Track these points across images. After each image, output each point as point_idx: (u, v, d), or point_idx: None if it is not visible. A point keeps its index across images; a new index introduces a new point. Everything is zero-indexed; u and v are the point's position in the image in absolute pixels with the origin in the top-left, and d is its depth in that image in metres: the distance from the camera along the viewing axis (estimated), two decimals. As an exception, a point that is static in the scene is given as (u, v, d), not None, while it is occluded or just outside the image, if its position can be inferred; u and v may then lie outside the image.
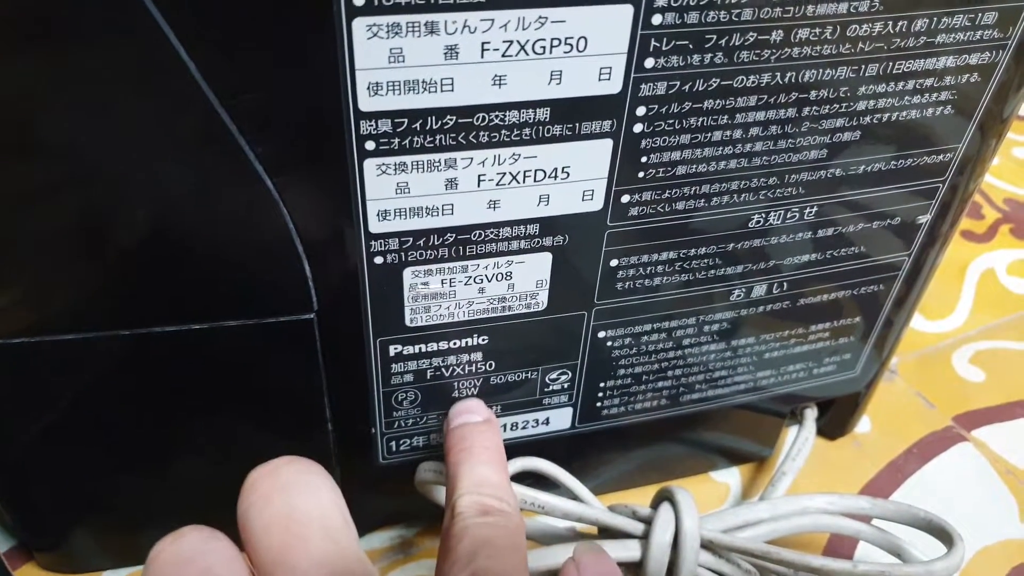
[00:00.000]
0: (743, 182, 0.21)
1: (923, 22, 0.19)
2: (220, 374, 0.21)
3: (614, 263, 0.21)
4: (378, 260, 0.19)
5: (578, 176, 0.19)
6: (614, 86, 0.18)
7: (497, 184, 0.19)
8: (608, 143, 0.19)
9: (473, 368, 0.22)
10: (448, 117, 0.17)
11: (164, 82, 0.16)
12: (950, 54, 0.20)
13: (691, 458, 0.29)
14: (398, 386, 0.22)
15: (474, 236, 0.19)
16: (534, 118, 0.18)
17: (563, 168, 0.19)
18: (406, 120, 0.17)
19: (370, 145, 0.17)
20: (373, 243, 0.19)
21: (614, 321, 0.23)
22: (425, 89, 0.16)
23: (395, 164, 0.17)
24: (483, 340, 0.22)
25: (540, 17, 0.16)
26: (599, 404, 0.25)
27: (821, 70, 0.19)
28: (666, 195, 0.20)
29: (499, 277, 0.20)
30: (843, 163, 0.21)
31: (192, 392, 0.21)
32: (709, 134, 0.19)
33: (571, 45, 0.17)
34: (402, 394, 0.22)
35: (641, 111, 0.18)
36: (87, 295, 0.19)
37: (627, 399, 0.25)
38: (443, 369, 0.22)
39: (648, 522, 0.23)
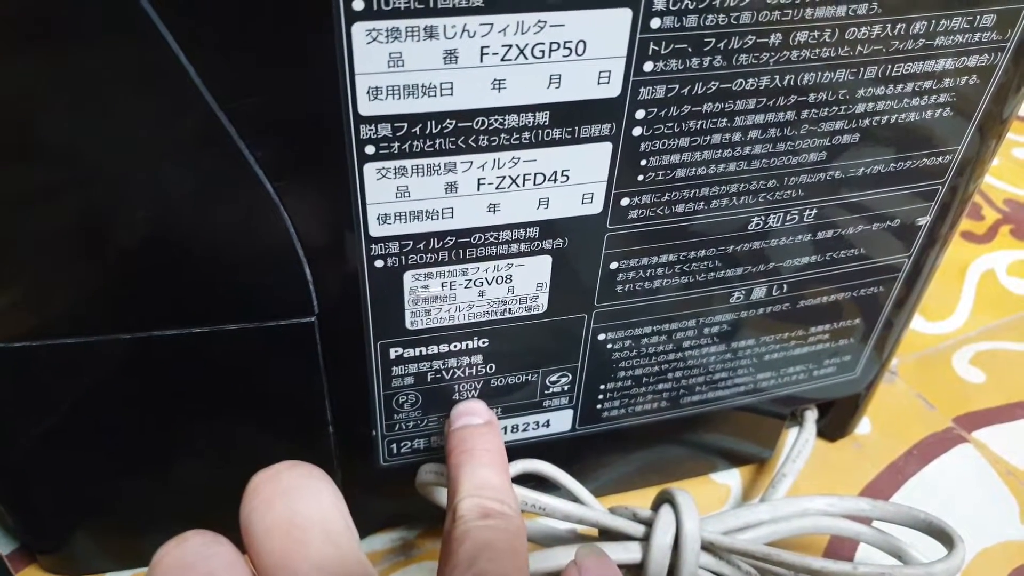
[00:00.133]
0: (742, 185, 0.21)
1: (921, 24, 0.19)
2: (221, 378, 0.21)
3: (614, 266, 0.21)
4: (378, 263, 0.19)
5: (578, 179, 0.19)
6: (613, 90, 0.18)
7: (497, 187, 0.19)
8: (607, 146, 0.19)
9: (473, 371, 0.22)
10: (448, 121, 0.17)
11: (164, 86, 0.16)
12: (949, 56, 0.20)
13: (691, 460, 0.29)
14: (399, 389, 0.22)
15: (474, 239, 0.19)
16: (533, 122, 0.18)
17: (563, 171, 0.19)
18: (406, 124, 0.17)
19: (370, 149, 0.17)
20: (373, 247, 0.19)
21: (614, 323, 0.23)
22: (425, 93, 0.16)
23: (395, 168, 0.18)
24: (483, 343, 0.22)
25: (539, 21, 0.16)
26: (599, 406, 0.25)
27: (820, 73, 0.19)
28: (666, 198, 0.20)
29: (499, 280, 0.21)
30: (842, 165, 0.21)
31: (193, 395, 0.21)
32: (708, 137, 0.19)
33: (570, 49, 0.17)
34: (403, 397, 0.23)
35: (640, 114, 0.18)
36: (88, 299, 0.19)
37: (627, 401, 0.25)
38: (444, 372, 0.22)
39: (649, 524, 0.23)
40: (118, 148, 0.16)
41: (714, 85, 0.18)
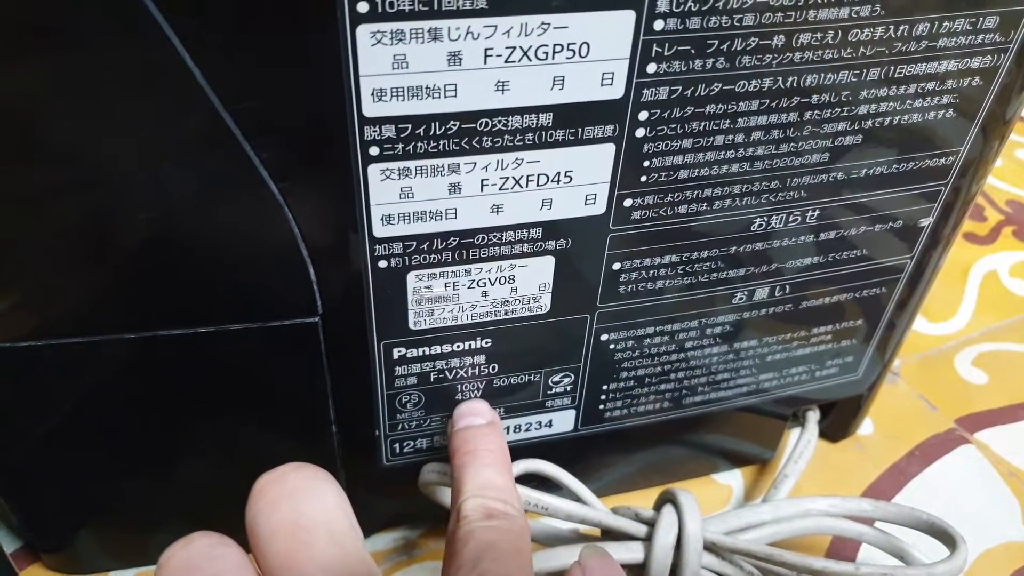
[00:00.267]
0: (745, 186, 0.21)
1: (924, 26, 0.19)
2: (225, 377, 0.21)
3: (617, 266, 0.21)
4: (382, 264, 0.19)
5: (581, 180, 0.19)
6: (616, 91, 0.18)
7: (500, 188, 0.19)
8: (610, 148, 0.19)
9: (476, 371, 0.23)
10: (451, 122, 0.17)
11: (170, 88, 0.16)
12: (952, 58, 0.20)
13: (693, 460, 0.29)
14: (402, 388, 0.22)
15: (477, 240, 0.20)
16: (537, 123, 0.18)
17: (566, 172, 0.19)
18: (410, 126, 0.17)
19: (374, 150, 0.17)
20: (377, 247, 0.19)
21: (617, 324, 0.23)
22: (428, 95, 0.17)
23: (399, 169, 0.18)
24: (486, 343, 0.22)
25: (542, 23, 0.16)
26: (602, 407, 0.25)
27: (823, 74, 0.19)
28: (668, 199, 0.20)
29: (502, 281, 0.21)
30: (845, 166, 0.21)
31: (197, 395, 0.21)
32: (711, 138, 0.19)
33: (573, 51, 0.17)
34: (406, 396, 0.23)
35: (643, 116, 0.18)
36: (93, 299, 0.19)
37: (630, 402, 0.25)
38: (446, 372, 0.22)
39: (651, 524, 0.23)
40: (124, 149, 0.16)
41: (717, 87, 0.18)
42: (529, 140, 0.18)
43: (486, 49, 0.16)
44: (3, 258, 0.18)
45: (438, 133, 0.17)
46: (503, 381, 0.23)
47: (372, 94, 0.16)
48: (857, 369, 0.28)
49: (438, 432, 0.24)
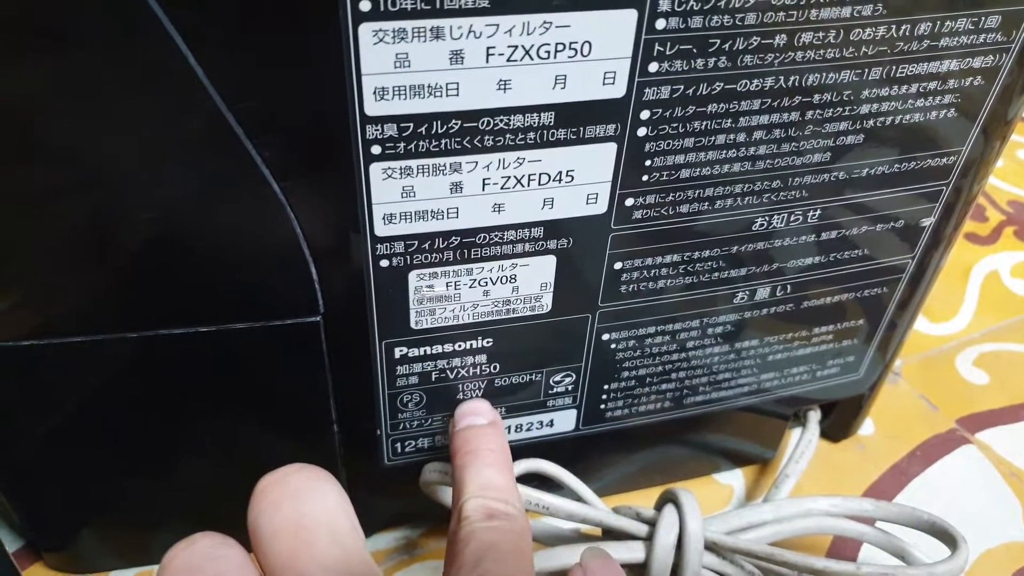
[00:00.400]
0: (747, 185, 0.21)
1: (926, 26, 0.19)
2: (227, 376, 0.21)
3: (618, 266, 0.21)
4: (384, 263, 0.19)
5: (582, 180, 0.19)
6: (618, 90, 0.18)
7: (502, 188, 0.19)
8: (612, 147, 0.19)
9: (478, 370, 0.23)
10: (453, 121, 0.17)
11: (172, 88, 0.16)
12: (953, 57, 0.20)
13: (695, 460, 0.29)
14: (403, 388, 0.22)
15: (479, 239, 0.20)
16: (538, 122, 0.18)
17: (567, 172, 0.19)
18: (412, 124, 0.17)
19: (376, 149, 0.17)
20: (379, 246, 0.19)
21: (618, 324, 0.23)
22: (430, 94, 0.17)
23: (401, 168, 0.18)
24: (488, 342, 0.22)
25: (545, 22, 0.16)
26: (603, 406, 0.25)
27: (824, 74, 0.19)
28: (670, 198, 0.20)
29: (503, 280, 0.21)
30: (846, 166, 0.21)
31: (198, 394, 0.21)
32: (713, 138, 0.19)
33: (575, 50, 0.17)
34: (407, 396, 0.23)
35: (645, 115, 0.18)
36: (96, 298, 0.19)
37: (631, 401, 0.25)
38: (448, 371, 0.22)
39: (652, 524, 0.23)
40: (126, 149, 0.16)
41: (719, 86, 0.18)
42: (531, 139, 0.18)
43: (488, 48, 0.16)
44: (6, 257, 0.18)
45: (440, 132, 0.17)
46: (504, 380, 0.23)
47: (374, 93, 0.16)
48: (858, 369, 0.28)
49: (439, 431, 0.24)
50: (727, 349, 0.25)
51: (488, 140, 0.18)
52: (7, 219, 0.17)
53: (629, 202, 0.20)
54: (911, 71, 0.20)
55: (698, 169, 0.20)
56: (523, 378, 0.23)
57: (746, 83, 0.18)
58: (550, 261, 0.21)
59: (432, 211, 0.19)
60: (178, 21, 0.15)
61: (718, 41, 0.17)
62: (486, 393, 0.23)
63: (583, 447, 0.26)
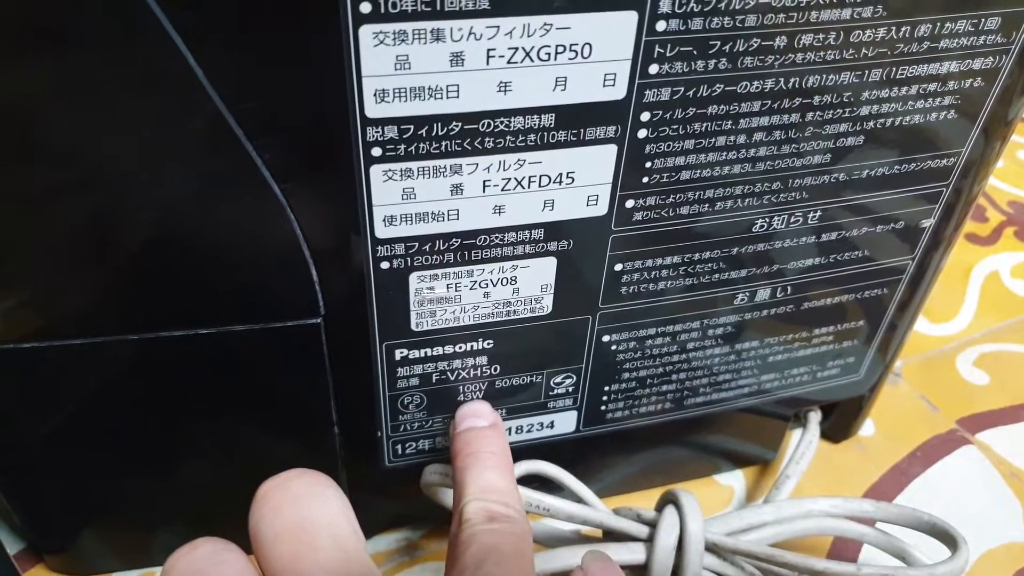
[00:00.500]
0: (747, 187, 0.21)
1: (926, 27, 0.19)
2: (227, 378, 0.21)
3: (618, 267, 0.21)
4: (384, 265, 0.19)
5: (583, 181, 0.19)
6: (618, 92, 0.18)
7: (502, 189, 0.19)
8: (612, 148, 0.19)
9: (478, 372, 0.23)
10: (454, 123, 0.17)
11: (172, 89, 0.16)
12: (953, 59, 0.20)
13: (695, 461, 0.29)
14: (404, 390, 0.22)
15: (479, 241, 0.20)
16: (539, 124, 0.18)
17: (568, 173, 0.19)
18: (412, 126, 0.17)
19: (376, 151, 0.17)
20: (379, 248, 0.19)
21: (618, 325, 0.23)
22: (431, 96, 0.17)
23: (401, 170, 0.18)
24: (488, 344, 0.22)
25: (545, 24, 0.16)
26: (603, 408, 0.25)
27: (825, 75, 0.19)
28: (670, 200, 0.20)
29: (504, 282, 0.21)
30: (847, 167, 0.21)
31: (199, 396, 0.21)
32: (713, 139, 0.19)
33: (576, 52, 0.17)
34: (408, 398, 0.23)
35: (645, 117, 0.18)
36: (97, 300, 0.19)
37: (631, 403, 0.25)
38: (448, 373, 0.22)
39: (652, 525, 0.23)
40: (127, 151, 0.16)
41: (719, 88, 0.18)
42: (531, 141, 0.18)
43: (488, 50, 0.16)
44: (7, 259, 0.18)
45: (440, 134, 0.17)
46: (505, 382, 0.23)
47: (374, 95, 0.16)
48: (859, 370, 0.28)
49: (440, 433, 0.24)
50: (727, 350, 0.25)
51: (488, 142, 0.18)
52: (8, 220, 0.17)
53: (629, 204, 0.20)
54: (911, 73, 0.20)
55: (698, 171, 0.20)
56: (524, 380, 0.23)
57: (746, 85, 0.18)
58: (550, 263, 0.21)
59: (433, 213, 0.19)
60: (178, 22, 0.15)
61: (718, 43, 0.17)
62: (487, 395, 0.23)
63: (584, 448, 0.26)
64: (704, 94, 0.18)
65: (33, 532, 0.25)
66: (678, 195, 0.20)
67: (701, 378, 0.25)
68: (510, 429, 0.24)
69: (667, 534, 0.23)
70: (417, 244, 0.19)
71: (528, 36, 0.16)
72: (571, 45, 0.17)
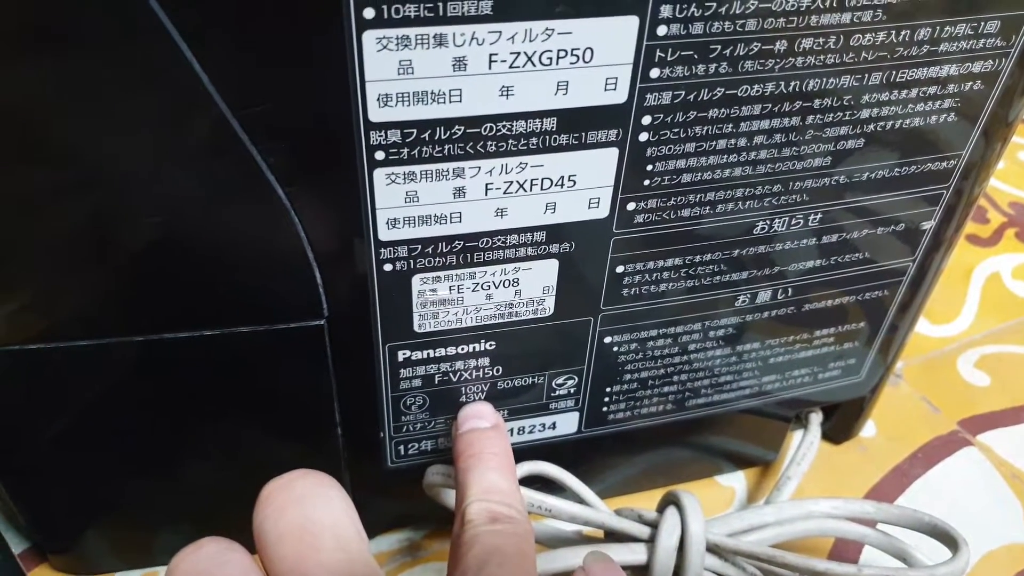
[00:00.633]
0: (748, 189, 0.21)
1: (926, 31, 0.19)
2: (232, 379, 0.21)
3: (620, 269, 0.21)
4: (387, 267, 0.19)
5: (584, 184, 0.19)
6: (620, 96, 0.18)
7: (504, 192, 0.19)
8: (614, 152, 0.19)
9: (481, 373, 0.23)
10: (456, 127, 0.17)
11: (178, 93, 0.16)
12: (953, 62, 0.20)
13: (697, 462, 0.29)
14: (407, 391, 0.22)
15: (482, 243, 0.20)
16: (541, 128, 0.18)
17: (569, 176, 0.19)
18: (415, 130, 0.17)
19: (379, 155, 0.17)
20: (382, 251, 0.19)
21: (620, 327, 0.23)
22: (434, 100, 0.17)
23: (404, 173, 0.18)
24: (490, 346, 0.22)
25: (547, 29, 0.16)
26: (605, 409, 0.25)
27: (825, 79, 0.19)
28: (671, 202, 0.20)
29: (506, 284, 0.21)
30: (847, 170, 0.21)
31: (204, 397, 0.22)
32: (714, 142, 0.19)
33: (577, 56, 0.17)
34: (410, 399, 0.23)
35: (647, 120, 0.18)
36: (102, 302, 0.19)
37: (633, 404, 0.25)
38: (451, 374, 0.22)
39: (654, 526, 0.23)
40: (133, 154, 0.17)
41: (720, 91, 0.18)
42: (533, 144, 0.18)
43: (491, 54, 0.16)
44: (13, 261, 0.18)
45: (443, 138, 0.17)
46: (507, 383, 0.23)
47: (378, 99, 0.16)
48: (860, 371, 0.28)
49: (443, 434, 0.24)
50: (729, 352, 0.25)
51: (491, 145, 0.18)
52: (14, 223, 0.17)
53: (631, 206, 0.20)
54: (911, 76, 0.20)
55: (699, 173, 0.20)
56: (526, 381, 0.23)
57: (747, 88, 0.18)
58: (552, 265, 0.21)
59: (435, 216, 0.19)
60: (183, 26, 0.15)
61: (719, 47, 0.18)
62: (489, 396, 0.23)
63: (585, 449, 0.26)
64: (705, 97, 0.18)
65: (38, 532, 0.26)
66: (679, 198, 0.20)
67: (702, 379, 0.25)
68: (512, 430, 0.24)
69: (668, 535, 0.23)
70: (420, 246, 0.19)
71: (530, 41, 0.16)
72: (573, 50, 0.17)
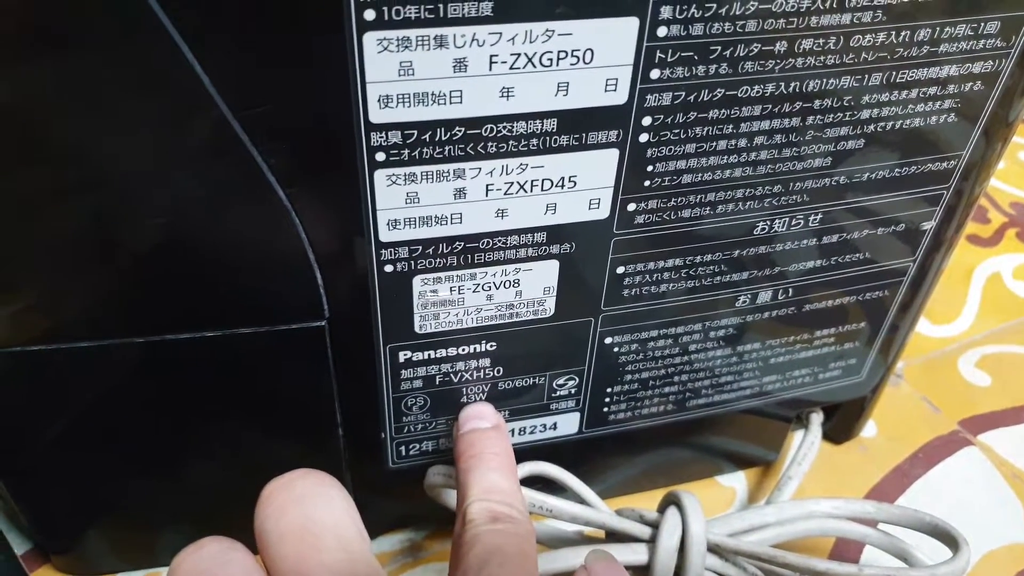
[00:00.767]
0: (748, 190, 0.21)
1: (926, 32, 0.19)
2: (233, 380, 0.21)
3: (620, 270, 0.21)
4: (388, 268, 0.19)
5: (585, 185, 0.19)
6: (620, 97, 0.18)
7: (505, 193, 0.19)
8: (614, 153, 0.19)
9: (481, 374, 0.23)
10: (457, 128, 0.17)
11: (178, 95, 0.16)
12: (953, 63, 0.20)
13: (697, 462, 0.29)
14: (408, 392, 0.22)
15: (482, 244, 0.20)
16: (541, 129, 0.18)
17: (570, 177, 0.19)
18: (416, 131, 0.17)
19: (380, 156, 0.17)
20: (383, 252, 0.19)
21: (621, 327, 0.23)
22: (434, 101, 0.17)
23: (405, 175, 0.18)
24: (491, 346, 0.22)
25: (547, 30, 0.16)
26: (606, 409, 0.25)
27: (825, 80, 0.19)
28: (672, 203, 0.20)
29: (507, 284, 0.21)
30: (847, 171, 0.21)
31: (205, 398, 0.22)
32: (714, 143, 0.19)
33: (578, 57, 0.17)
34: (411, 399, 0.23)
35: (647, 121, 0.18)
36: (104, 303, 0.19)
37: (634, 404, 0.25)
38: (452, 375, 0.22)
39: (655, 526, 0.23)
40: (135, 156, 0.17)
41: (720, 92, 0.18)
42: (534, 145, 0.18)
43: (491, 56, 0.16)
44: (15, 262, 0.18)
45: (443, 139, 0.17)
46: (508, 384, 0.23)
47: (378, 100, 0.16)
48: (860, 371, 0.28)
49: (444, 435, 0.24)
50: (729, 352, 0.25)
51: (491, 146, 0.18)
52: (15, 224, 0.17)
53: (631, 207, 0.20)
54: (911, 76, 0.20)
55: (700, 174, 0.20)
56: (526, 381, 0.23)
57: (747, 89, 0.19)
58: (553, 266, 0.21)
59: (436, 217, 0.19)
60: (184, 27, 0.15)
61: (719, 48, 0.18)
62: (490, 396, 0.23)
63: (586, 450, 0.26)
64: (705, 98, 0.18)
65: (40, 533, 0.26)
66: (679, 198, 0.20)
67: (703, 380, 0.25)
68: (513, 430, 0.24)
69: (669, 535, 0.23)
70: (421, 247, 0.19)
71: (530, 42, 0.16)
72: (573, 51, 0.17)
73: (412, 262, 0.20)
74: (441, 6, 0.15)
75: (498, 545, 0.18)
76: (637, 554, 0.23)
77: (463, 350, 0.22)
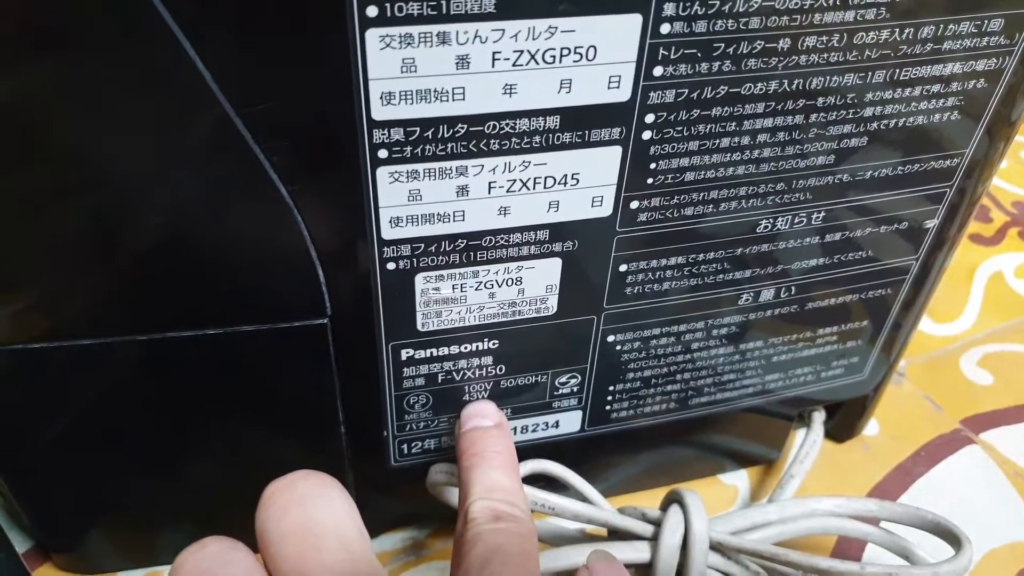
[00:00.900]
0: (751, 188, 0.21)
1: (930, 29, 0.19)
2: (235, 379, 0.21)
3: (623, 268, 0.21)
4: (390, 266, 0.19)
5: (587, 183, 0.19)
6: (623, 94, 0.18)
7: (507, 191, 0.19)
8: (617, 150, 0.19)
9: (483, 372, 0.23)
10: (459, 125, 0.17)
11: (180, 93, 0.16)
12: (957, 60, 0.20)
13: (700, 461, 0.29)
14: (410, 390, 0.22)
15: (485, 242, 0.20)
16: (544, 126, 0.18)
17: (572, 175, 0.19)
18: (418, 129, 0.17)
19: (383, 153, 0.17)
20: (385, 249, 0.19)
21: (623, 325, 0.23)
22: (437, 98, 0.17)
23: (407, 172, 0.18)
24: (493, 344, 0.22)
25: (550, 27, 0.16)
26: (608, 407, 0.25)
27: (828, 77, 0.19)
28: (675, 201, 0.20)
29: (509, 282, 0.21)
30: (851, 168, 0.21)
31: (207, 396, 0.22)
32: (717, 141, 0.19)
33: (580, 54, 0.17)
34: (414, 397, 0.23)
35: (650, 118, 0.18)
36: (105, 301, 0.19)
37: (636, 402, 0.25)
38: (454, 373, 0.22)
39: (657, 524, 0.23)
40: (137, 153, 0.17)
41: (723, 89, 0.18)
42: (536, 143, 0.18)
43: (494, 53, 0.16)
44: (16, 260, 0.18)
45: (446, 136, 0.17)
46: (510, 382, 0.23)
47: (381, 97, 0.16)
48: (863, 370, 0.28)
49: (446, 433, 0.24)
50: (732, 350, 0.25)
51: (494, 144, 0.18)
52: (17, 222, 0.17)
53: (634, 205, 0.20)
54: (915, 74, 0.20)
55: (703, 172, 0.20)
56: (529, 379, 0.23)
57: (750, 87, 0.18)
58: (555, 263, 0.21)
59: (438, 214, 0.19)
60: (186, 24, 0.15)
61: (722, 45, 0.18)
62: (492, 395, 0.23)
63: (588, 448, 0.26)
64: (708, 96, 0.18)
65: (41, 531, 0.26)
66: (682, 196, 0.20)
67: (705, 378, 0.25)
68: (515, 429, 0.24)
69: (672, 533, 0.23)
70: (423, 245, 0.19)
71: (533, 39, 0.16)
72: (576, 48, 0.17)
73: (414, 260, 0.19)
74: (444, 3, 0.15)
75: (500, 544, 0.18)
76: (639, 552, 0.23)
77: (465, 348, 0.22)
